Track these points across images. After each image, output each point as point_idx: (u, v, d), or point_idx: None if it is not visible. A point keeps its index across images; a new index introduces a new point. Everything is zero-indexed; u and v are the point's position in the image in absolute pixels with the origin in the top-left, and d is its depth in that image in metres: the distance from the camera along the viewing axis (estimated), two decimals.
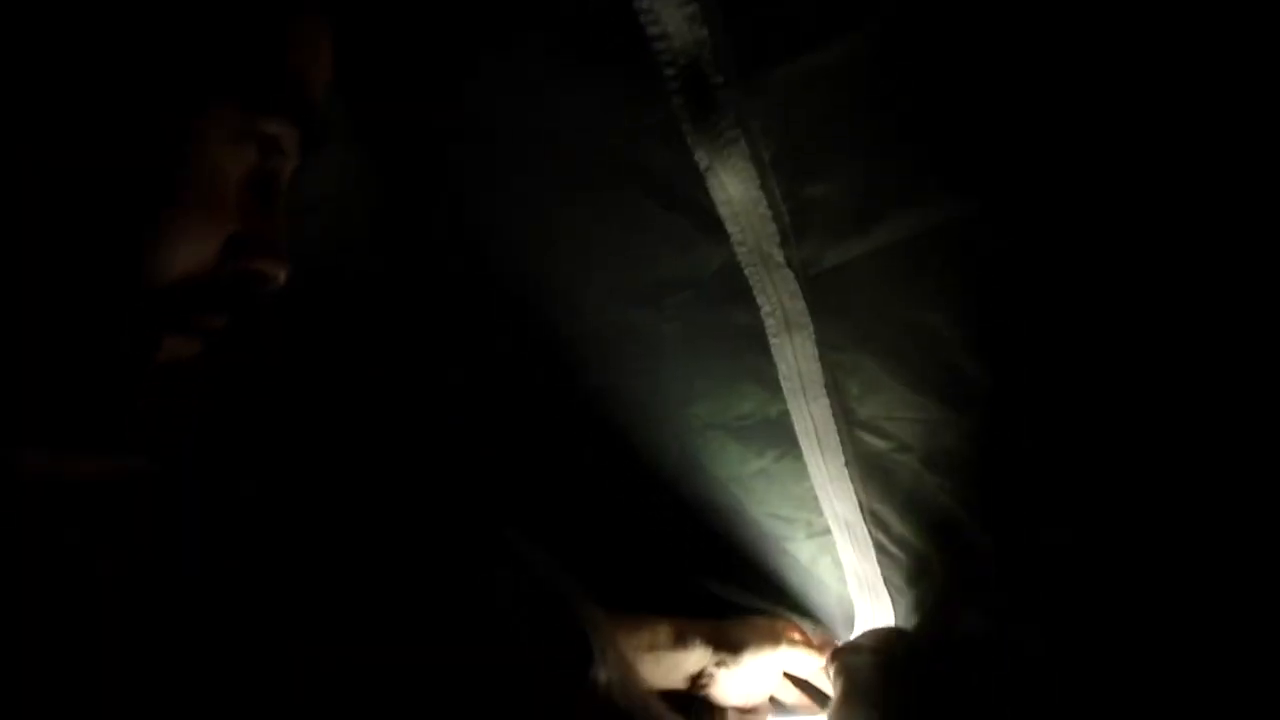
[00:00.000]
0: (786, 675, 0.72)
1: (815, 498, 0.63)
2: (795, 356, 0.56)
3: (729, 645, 0.68)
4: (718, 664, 0.67)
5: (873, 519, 0.62)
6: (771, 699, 0.73)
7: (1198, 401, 0.46)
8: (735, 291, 0.54)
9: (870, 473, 0.60)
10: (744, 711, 0.71)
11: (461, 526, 0.45)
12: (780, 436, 0.61)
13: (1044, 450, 0.53)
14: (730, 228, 0.51)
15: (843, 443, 0.59)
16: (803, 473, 0.62)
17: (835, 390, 0.57)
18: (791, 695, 0.73)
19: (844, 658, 0.61)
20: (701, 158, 0.48)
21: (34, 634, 0.30)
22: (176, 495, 0.38)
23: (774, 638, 0.69)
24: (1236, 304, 0.43)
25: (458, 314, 0.62)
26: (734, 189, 0.49)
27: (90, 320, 0.35)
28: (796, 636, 0.70)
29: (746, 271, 0.53)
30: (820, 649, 0.70)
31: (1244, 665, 0.44)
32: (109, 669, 0.30)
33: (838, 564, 0.66)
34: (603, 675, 0.45)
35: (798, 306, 0.53)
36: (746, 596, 0.72)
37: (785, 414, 0.60)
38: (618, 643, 0.50)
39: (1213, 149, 0.40)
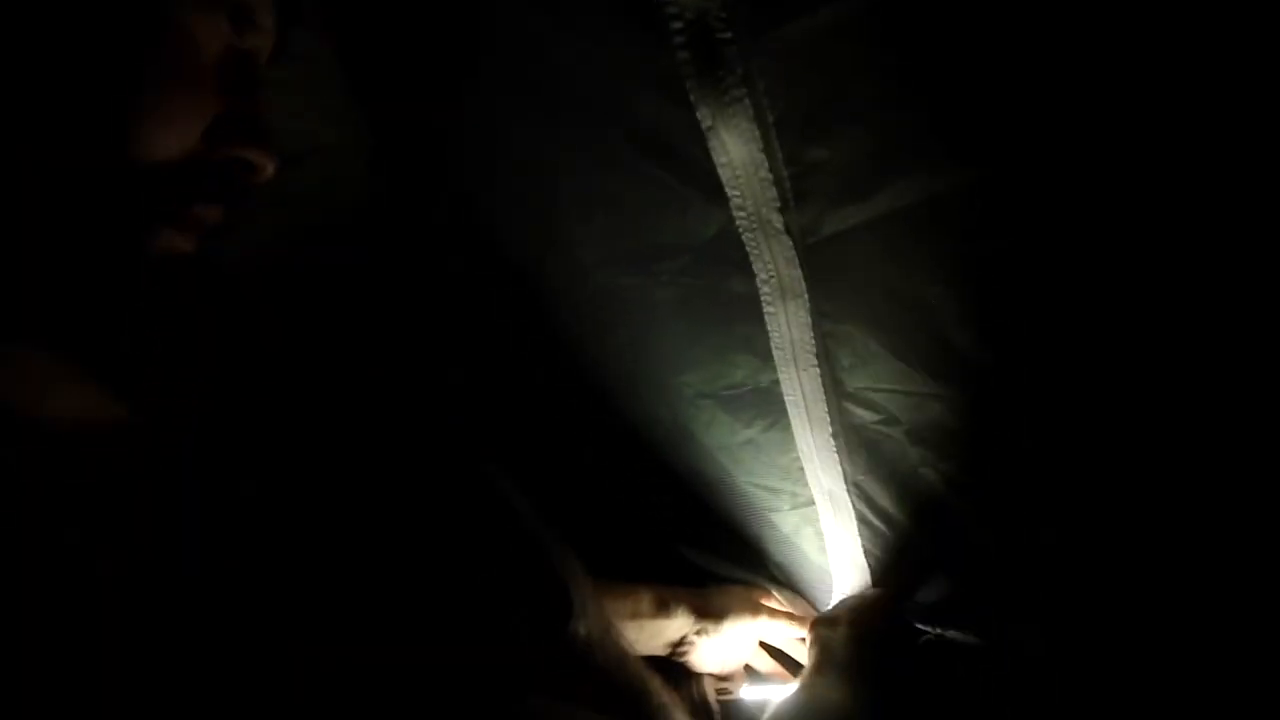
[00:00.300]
0: (762, 644, 0.73)
1: (801, 469, 0.63)
2: (789, 325, 0.55)
3: (711, 614, 0.68)
4: (698, 632, 0.68)
5: (856, 490, 0.62)
6: (746, 666, 0.73)
7: (1194, 384, 0.46)
8: (732, 258, 0.53)
9: (856, 444, 0.60)
10: (720, 678, 0.72)
11: (458, 514, 0.44)
12: (770, 407, 0.61)
13: (1032, 431, 0.54)
14: (730, 190, 0.50)
15: (831, 413, 0.59)
16: (790, 443, 0.62)
17: (826, 360, 0.57)
18: (766, 663, 0.74)
19: (819, 629, 0.62)
20: (704, 116, 0.46)
21: (34, 634, 0.30)
22: (177, 495, 0.37)
23: (753, 607, 0.70)
24: (1238, 286, 0.43)
25: (458, 302, 0.61)
26: (735, 150, 0.48)
27: (84, 200, 0.34)
28: (775, 606, 0.71)
29: (744, 237, 0.52)
30: (798, 619, 0.70)
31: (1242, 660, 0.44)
32: (109, 669, 0.30)
33: (820, 535, 0.66)
34: (582, 629, 0.45)
35: (794, 274, 0.53)
36: (728, 566, 0.72)
37: (776, 383, 0.59)
38: (599, 600, 0.50)
39: (1216, 128, 0.40)
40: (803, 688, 0.59)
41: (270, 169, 0.39)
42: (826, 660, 0.59)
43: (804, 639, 0.70)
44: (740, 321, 0.57)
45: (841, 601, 0.67)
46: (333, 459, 0.43)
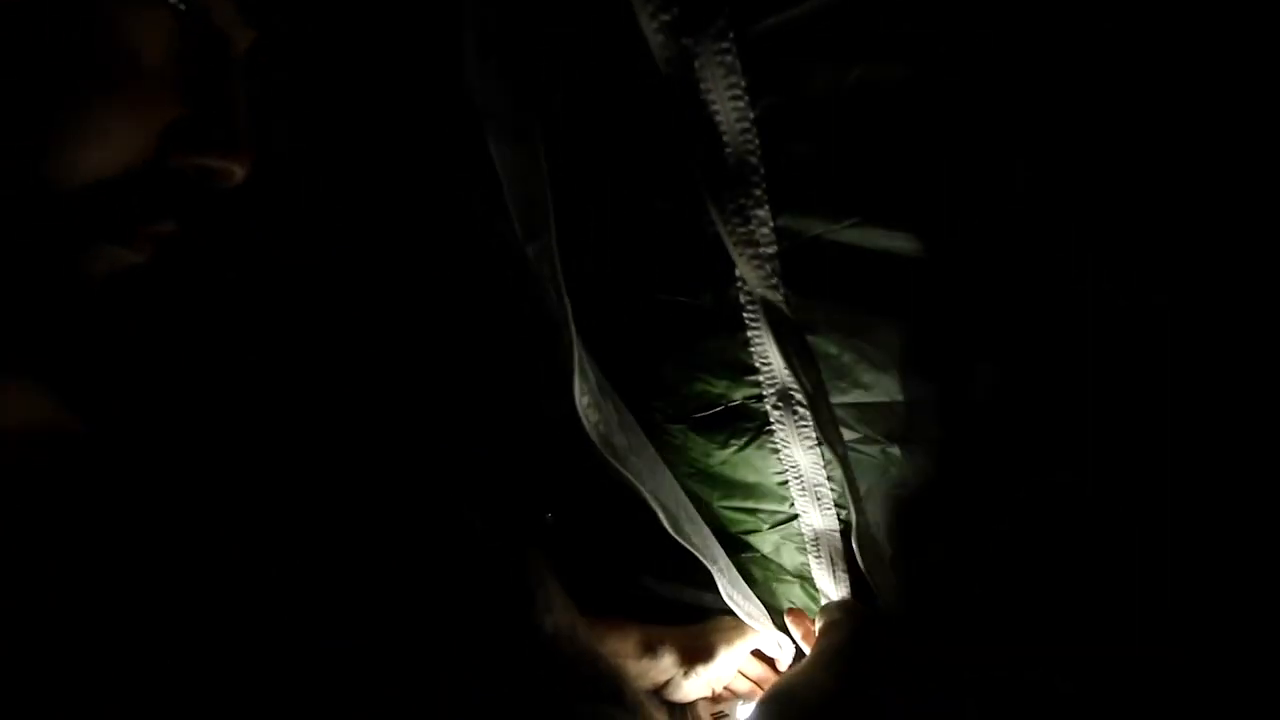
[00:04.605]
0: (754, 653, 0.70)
1: (777, 488, 0.60)
2: (768, 338, 0.51)
3: (699, 656, 0.65)
4: (685, 674, 0.64)
5: (840, 504, 0.59)
6: (727, 688, 0.71)
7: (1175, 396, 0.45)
8: (711, 271, 0.49)
9: (841, 456, 0.57)
10: (714, 700, 0.69)
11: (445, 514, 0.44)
12: (745, 424, 0.57)
13: (1018, 450, 0.52)
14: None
15: (821, 424, 0.55)
16: (765, 462, 0.59)
17: (806, 373, 0.53)
18: (745, 685, 0.71)
19: (832, 613, 0.58)
20: None
21: (33, 633, 0.29)
22: (174, 492, 0.36)
23: (741, 633, 0.67)
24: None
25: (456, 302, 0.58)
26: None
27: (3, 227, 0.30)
28: (756, 629, 0.68)
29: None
30: (775, 640, 0.68)
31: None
32: (109, 668, 0.30)
33: (801, 552, 0.63)
34: (548, 624, 0.44)
35: (774, 285, 0.48)
36: (695, 593, 0.69)
37: (751, 399, 0.56)
38: (566, 598, 0.49)
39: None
40: (808, 667, 0.54)
41: (238, 174, 0.35)
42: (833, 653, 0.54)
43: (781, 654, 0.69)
44: (713, 337, 0.53)
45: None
46: (331, 458, 0.42)
